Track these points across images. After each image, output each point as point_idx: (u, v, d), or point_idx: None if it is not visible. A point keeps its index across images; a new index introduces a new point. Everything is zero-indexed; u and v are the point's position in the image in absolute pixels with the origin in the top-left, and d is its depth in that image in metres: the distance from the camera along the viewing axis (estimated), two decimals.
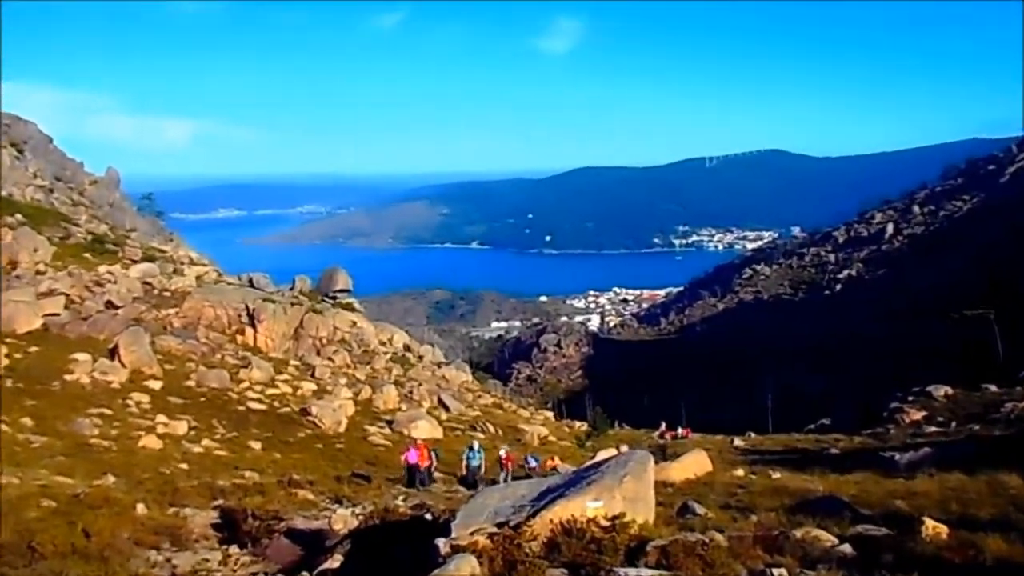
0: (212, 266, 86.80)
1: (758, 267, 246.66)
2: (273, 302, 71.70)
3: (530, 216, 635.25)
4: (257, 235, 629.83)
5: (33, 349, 47.22)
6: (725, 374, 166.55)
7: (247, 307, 69.33)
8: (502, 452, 40.77)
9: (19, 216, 71.67)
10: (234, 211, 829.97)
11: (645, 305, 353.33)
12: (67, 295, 58.12)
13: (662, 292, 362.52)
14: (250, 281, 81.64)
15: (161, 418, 39.93)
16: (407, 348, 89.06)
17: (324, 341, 73.88)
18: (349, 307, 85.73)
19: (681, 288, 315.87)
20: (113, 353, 48.38)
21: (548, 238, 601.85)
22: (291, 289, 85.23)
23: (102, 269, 67.03)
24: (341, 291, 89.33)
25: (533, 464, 41.57)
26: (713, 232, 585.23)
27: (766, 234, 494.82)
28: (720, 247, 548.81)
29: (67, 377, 43.24)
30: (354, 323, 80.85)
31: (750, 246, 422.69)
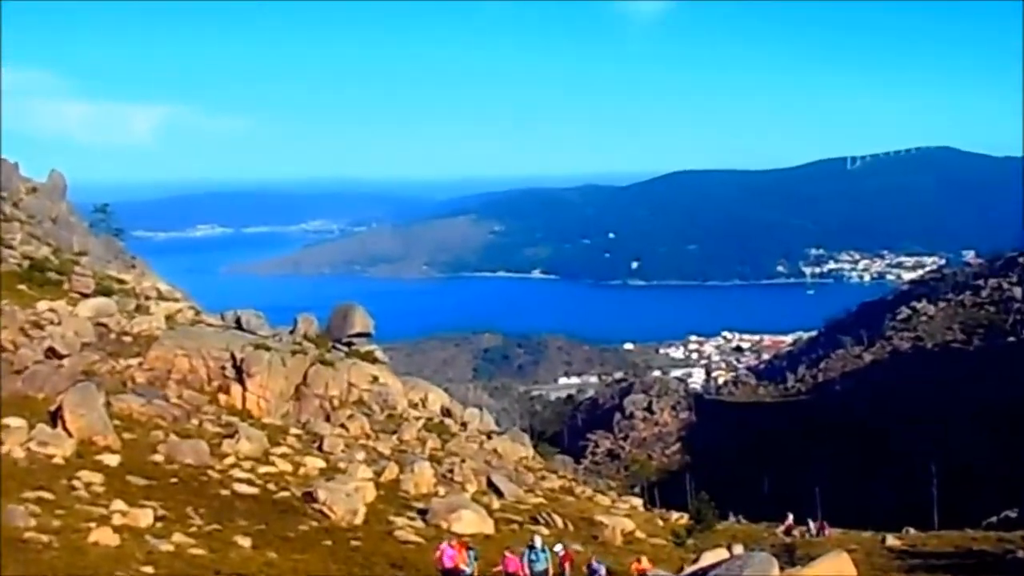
0: (187, 302, 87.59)
1: (918, 305, 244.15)
2: (268, 350, 72.10)
3: (611, 235, 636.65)
4: (247, 260, 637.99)
5: None
6: (874, 449, 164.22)
7: (233, 356, 69.79)
8: (558, 549, 40.37)
9: None
10: (216, 228, 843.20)
11: (766, 355, 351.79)
12: None
13: (788, 338, 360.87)
14: (237, 322, 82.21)
15: (118, 504, 40.09)
16: (446, 412, 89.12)
17: (336, 402, 74.12)
18: (369, 357, 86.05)
19: (814, 333, 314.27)
20: (56, 417, 48.82)
21: (635, 265, 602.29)
22: (292, 333, 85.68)
23: (42, 306, 67.83)
24: (358, 335, 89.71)
25: (603, 572, 40.76)
26: (856, 257, 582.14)
27: (928, 260, 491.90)
28: (866, 278, 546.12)
29: None
30: (376, 378, 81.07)
31: (907, 276, 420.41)
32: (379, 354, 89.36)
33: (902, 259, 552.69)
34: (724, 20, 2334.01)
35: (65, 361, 59.90)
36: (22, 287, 71.43)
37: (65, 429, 48.06)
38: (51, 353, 60.28)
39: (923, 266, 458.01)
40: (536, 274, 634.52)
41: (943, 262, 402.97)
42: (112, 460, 47.12)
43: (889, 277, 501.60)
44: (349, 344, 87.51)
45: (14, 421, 46.38)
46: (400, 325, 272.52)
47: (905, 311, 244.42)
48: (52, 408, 49.86)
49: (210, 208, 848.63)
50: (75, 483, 42.28)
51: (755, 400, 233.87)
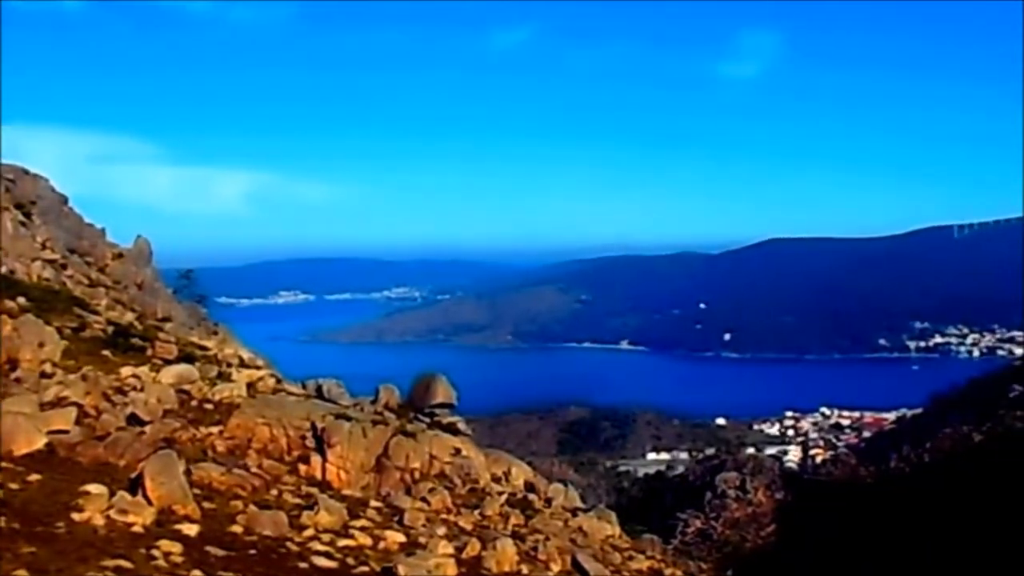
0: (269, 369, 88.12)
1: None
2: (349, 420, 72.59)
3: (702, 306, 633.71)
4: (329, 328, 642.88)
5: (33, 477, 48.49)
6: (986, 537, 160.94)
7: (314, 426, 70.41)
8: None
9: (22, 300, 74.12)
10: (299, 295, 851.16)
11: (867, 433, 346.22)
12: (80, 406, 59.62)
13: (891, 415, 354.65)
14: (319, 391, 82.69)
15: (197, 575, 40.62)
16: (530, 487, 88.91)
17: (417, 475, 74.29)
18: (452, 428, 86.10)
19: (919, 410, 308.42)
20: (136, 485, 49.37)
21: (727, 337, 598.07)
22: (373, 403, 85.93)
23: (125, 372, 68.55)
24: (441, 406, 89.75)
25: None
26: (965, 332, 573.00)
27: None
28: (976, 353, 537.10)
29: (76, 516, 44.18)
30: (458, 451, 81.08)
31: (1020, 352, 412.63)
32: (462, 426, 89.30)
33: (1015, 334, 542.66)
34: (824, 78, 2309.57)
35: (147, 428, 60.75)
36: (106, 352, 72.43)
37: (145, 497, 48.70)
38: (133, 419, 61.21)
39: None
40: (624, 345, 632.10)
41: None
42: (191, 530, 47.61)
43: (1000, 352, 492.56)
44: (431, 415, 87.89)
45: (95, 488, 47.07)
46: (483, 396, 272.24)
47: (1020, 388, 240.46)
48: (133, 475, 50.55)
49: (293, 274, 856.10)
50: (154, 552, 42.71)
51: (856, 480, 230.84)
